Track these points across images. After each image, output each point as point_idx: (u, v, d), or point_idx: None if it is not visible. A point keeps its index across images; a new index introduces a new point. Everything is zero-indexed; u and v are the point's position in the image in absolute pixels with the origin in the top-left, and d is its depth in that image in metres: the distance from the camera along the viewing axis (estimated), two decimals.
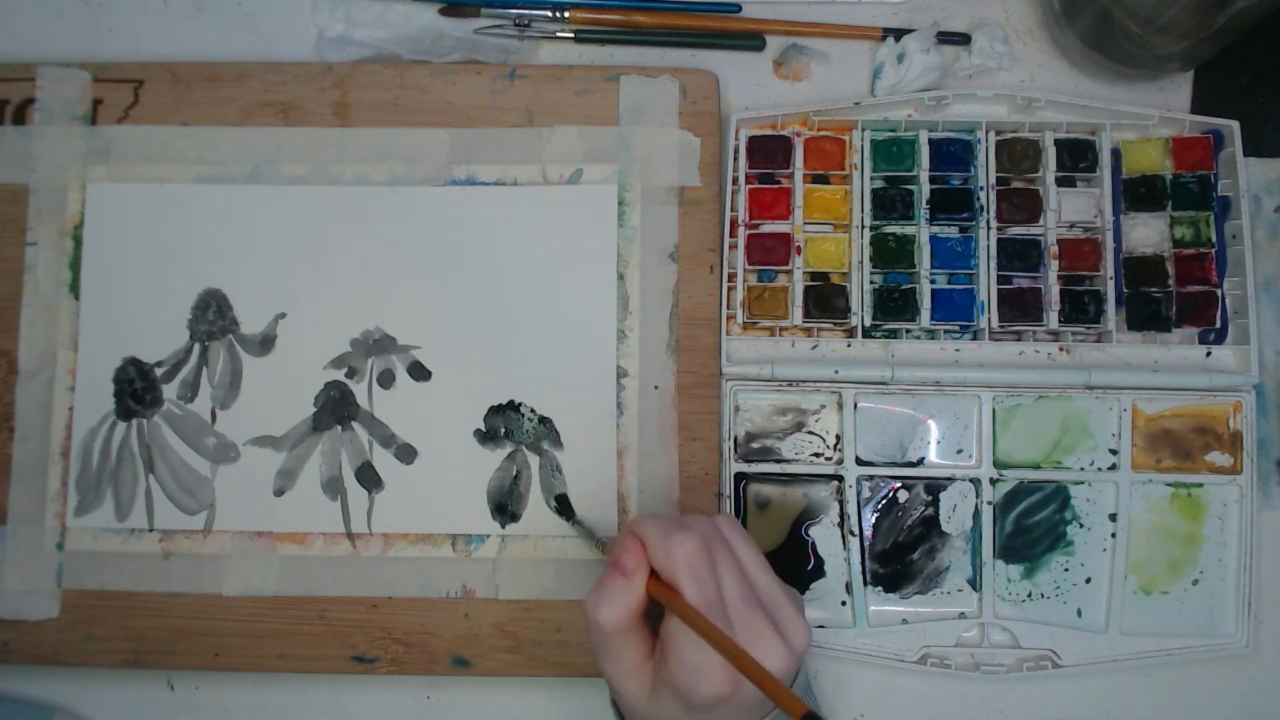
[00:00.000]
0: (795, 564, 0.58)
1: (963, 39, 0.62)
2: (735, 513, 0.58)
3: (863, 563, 0.58)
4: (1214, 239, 0.60)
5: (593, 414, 0.58)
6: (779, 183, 0.61)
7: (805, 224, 0.60)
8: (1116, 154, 0.61)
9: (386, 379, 0.59)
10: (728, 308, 0.59)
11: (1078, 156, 0.60)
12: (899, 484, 0.59)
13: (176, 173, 0.60)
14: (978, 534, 0.58)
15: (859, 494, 0.59)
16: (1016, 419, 0.59)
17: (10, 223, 0.60)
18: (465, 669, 0.57)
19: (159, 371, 0.59)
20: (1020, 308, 0.59)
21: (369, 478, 0.58)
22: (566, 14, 0.62)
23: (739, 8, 0.63)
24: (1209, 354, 0.59)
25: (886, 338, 0.59)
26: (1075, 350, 0.59)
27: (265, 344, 0.59)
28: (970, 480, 0.59)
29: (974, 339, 0.59)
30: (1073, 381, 0.58)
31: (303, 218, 0.60)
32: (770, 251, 0.60)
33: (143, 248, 0.60)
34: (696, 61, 0.62)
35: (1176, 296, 0.59)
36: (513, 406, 0.58)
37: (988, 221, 0.60)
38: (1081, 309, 0.59)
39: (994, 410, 0.59)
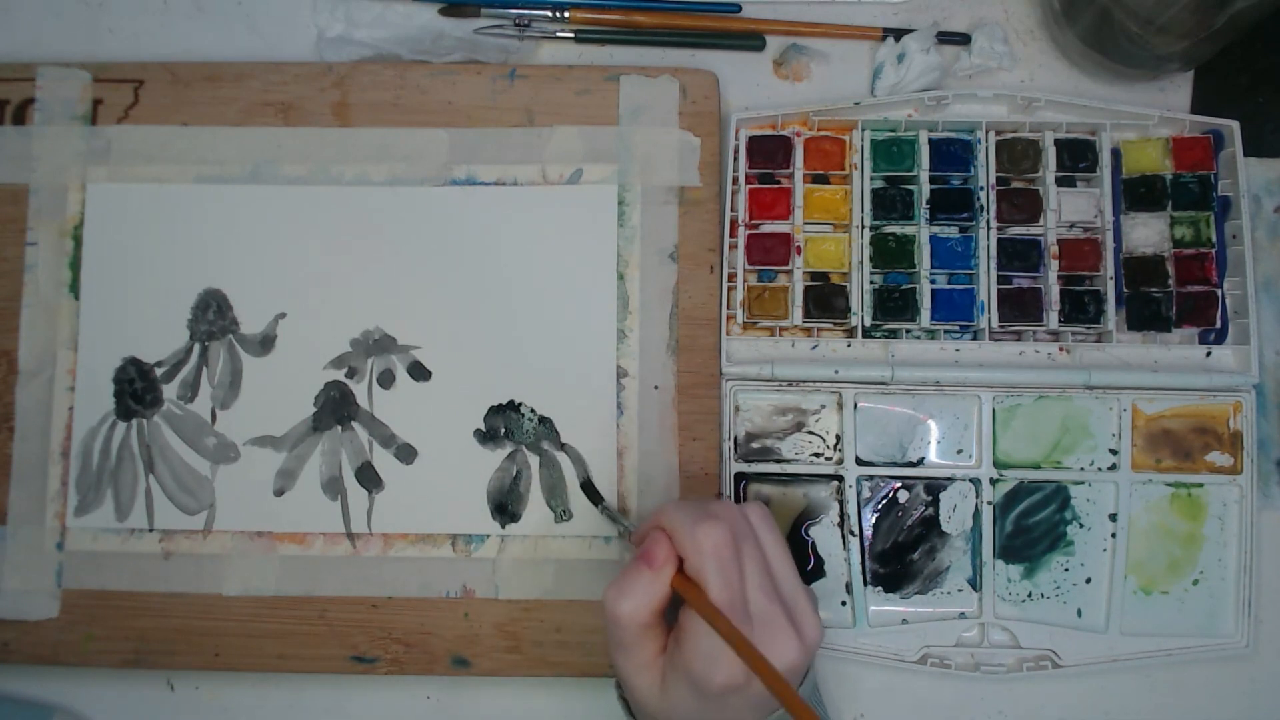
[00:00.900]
0: (795, 564, 0.58)
1: (963, 39, 0.62)
2: None
3: (863, 563, 0.58)
4: (1214, 239, 0.60)
5: (593, 414, 0.58)
6: (779, 183, 0.61)
7: (805, 224, 0.60)
8: (1116, 154, 0.61)
9: (386, 379, 0.59)
10: (728, 308, 0.59)
11: (1078, 156, 0.60)
12: (899, 484, 0.59)
13: (176, 173, 0.60)
14: (978, 534, 0.58)
15: (859, 494, 0.59)
16: (1016, 419, 0.59)
17: (10, 223, 0.60)
18: (465, 669, 0.57)
19: (159, 371, 0.59)
20: (1020, 308, 0.59)
21: (369, 478, 0.58)
22: (566, 14, 0.62)
23: (739, 8, 0.63)
24: (1209, 354, 0.59)
25: (886, 338, 0.59)
26: (1075, 350, 0.59)
27: (265, 344, 0.59)
28: (970, 480, 0.59)
29: (974, 339, 0.59)
30: (1073, 381, 0.58)
31: (303, 218, 0.60)
32: (770, 251, 0.60)
33: (143, 248, 0.60)
34: (696, 61, 0.62)
35: (1176, 296, 0.59)
36: (513, 406, 0.58)
37: (988, 221, 0.60)
38: (1081, 309, 0.59)
39: (994, 410, 0.59)
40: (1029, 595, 0.58)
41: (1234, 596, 0.58)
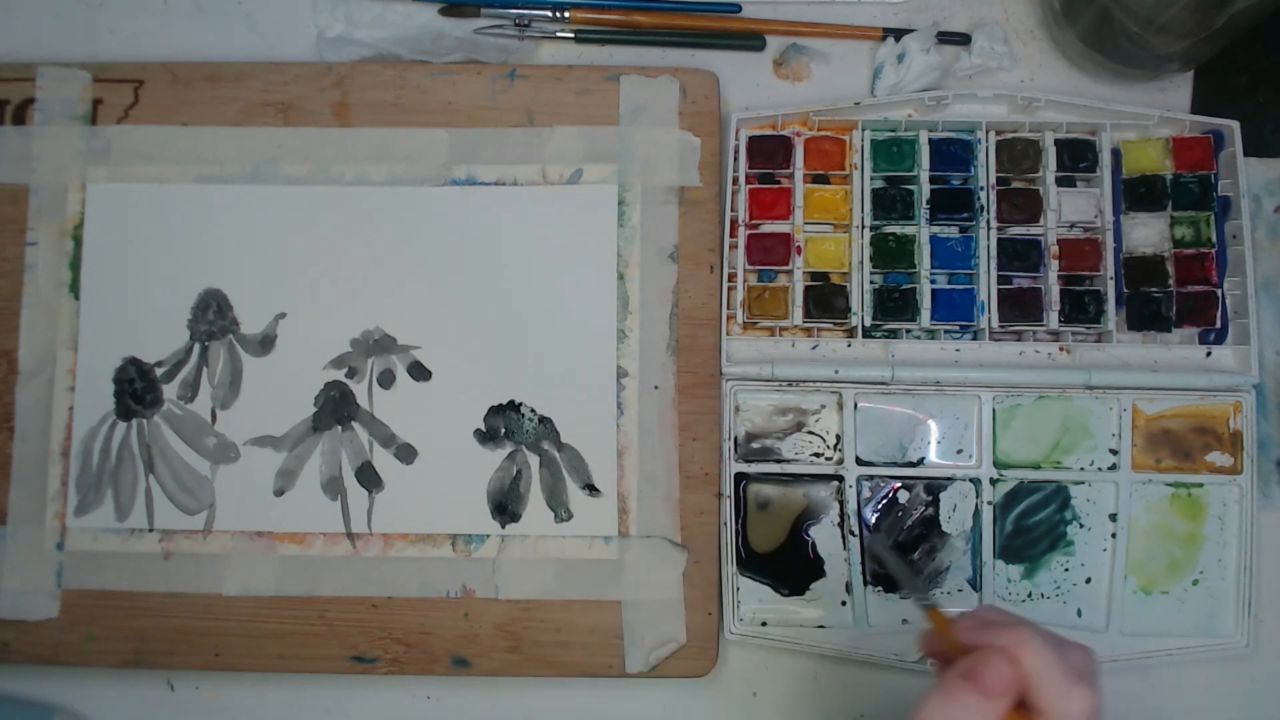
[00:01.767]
0: (795, 564, 0.58)
1: (963, 39, 0.62)
2: (735, 513, 0.58)
3: (863, 563, 0.58)
4: (1214, 239, 0.60)
5: (593, 414, 0.58)
6: (779, 183, 0.61)
7: (805, 224, 0.60)
8: (1116, 154, 0.61)
9: (386, 379, 0.59)
10: (728, 308, 0.59)
11: (1078, 156, 0.60)
12: (899, 484, 0.59)
13: (176, 173, 0.60)
14: (978, 534, 0.58)
15: (859, 494, 0.59)
16: (1016, 419, 0.59)
17: (10, 223, 0.60)
18: (465, 669, 0.57)
19: (159, 371, 0.59)
20: (1020, 308, 0.59)
21: (369, 478, 0.58)
22: (566, 14, 0.62)
23: (739, 8, 0.63)
24: (1209, 354, 0.59)
25: (886, 338, 0.59)
26: (1075, 350, 0.59)
27: (265, 344, 0.59)
28: (970, 480, 0.59)
29: (974, 339, 0.59)
30: (1073, 381, 0.58)
31: (303, 218, 0.60)
32: (770, 251, 0.60)
33: (143, 248, 0.60)
34: (696, 61, 0.62)
35: (1176, 296, 0.59)
36: (513, 406, 0.58)
37: (988, 221, 0.60)
38: (1081, 309, 0.59)
39: (994, 410, 0.59)
40: (1029, 595, 0.58)
41: (1234, 596, 0.58)
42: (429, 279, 0.59)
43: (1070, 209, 0.60)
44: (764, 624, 0.58)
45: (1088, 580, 0.58)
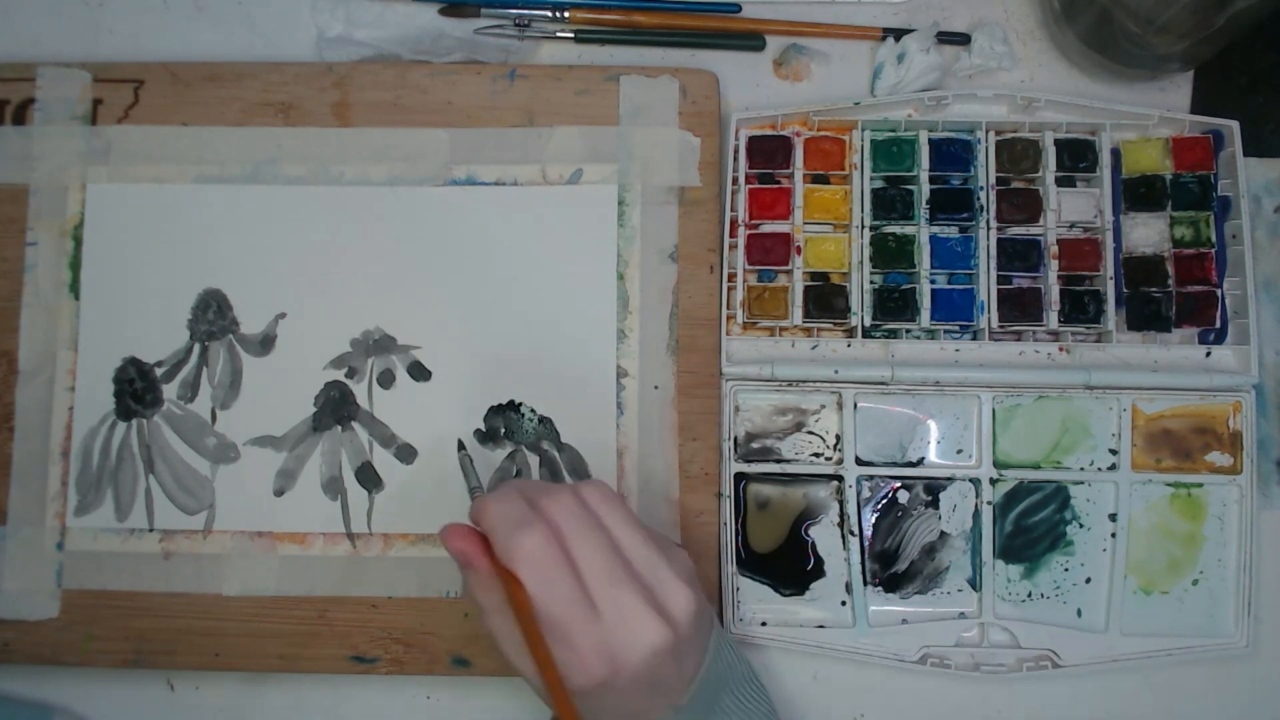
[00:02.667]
0: (795, 564, 0.58)
1: (963, 39, 0.62)
2: (735, 513, 0.58)
3: (863, 563, 0.58)
4: (1214, 239, 0.60)
5: (593, 414, 0.58)
6: (779, 183, 0.61)
7: (805, 224, 0.60)
8: (1116, 154, 0.61)
9: (386, 379, 0.59)
10: (728, 308, 0.59)
11: (1078, 156, 0.60)
12: (899, 484, 0.59)
13: (176, 173, 0.60)
14: (978, 534, 0.58)
15: (859, 494, 0.59)
16: (1016, 419, 0.59)
17: (10, 223, 0.60)
18: (465, 669, 0.57)
19: (159, 371, 0.59)
20: (1020, 308, 0.59)
21: (369, 478, 0.58)
22: (566, 14, 0.62)
23: (739, 8, 0.63)
24: (1209, 354, 0.59)
25: (886, 338, 0.59)
26: (1075, 350, 0.59)
27: (265, 344, 0.59)
28: (970, 480, 0.59)
29: (974, 339, 0.59)
30: (1073, 381, 0.58)
31: (303, 218, 0.60)
32: (770, 251, 0.60)
33: (143, 248, 0.60)
34: (696, 61, 0.62)
35: (1176, 296, 0.59)
36: (513, 406, 0.58)
37: (988, 221, 0.60)
38: (1081, 309, 0.59)
39: (994, 410, 0.59)
40: (1029, 595, 0.58)
41: (1234, 596, 0.58)
42: (429, 279, 0.59)
43: (1070, 209, 0.60)
44: (764, 624, 0.58)
45: (1088, 580, 0.58)
